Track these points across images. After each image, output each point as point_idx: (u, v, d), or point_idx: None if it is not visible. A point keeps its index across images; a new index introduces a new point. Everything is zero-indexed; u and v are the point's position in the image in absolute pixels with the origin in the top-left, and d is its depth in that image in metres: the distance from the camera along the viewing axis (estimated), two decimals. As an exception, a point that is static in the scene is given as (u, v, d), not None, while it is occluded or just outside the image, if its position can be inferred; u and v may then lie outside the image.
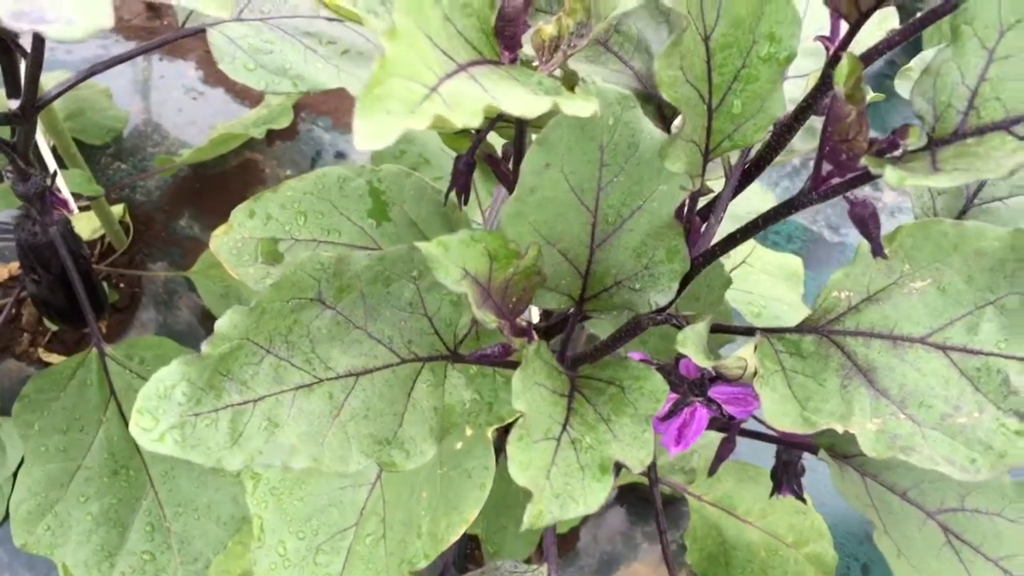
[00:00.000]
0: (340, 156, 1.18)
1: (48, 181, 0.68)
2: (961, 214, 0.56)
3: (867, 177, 0.33)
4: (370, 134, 0.26)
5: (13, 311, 0.92)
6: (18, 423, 0.86)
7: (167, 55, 1.24)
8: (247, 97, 1.21)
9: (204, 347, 0.37)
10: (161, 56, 1.24)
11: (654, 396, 0.39)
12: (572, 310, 0.43)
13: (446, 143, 0.52)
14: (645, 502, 0.98)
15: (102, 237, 1.07)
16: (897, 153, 0.31)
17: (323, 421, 0.39)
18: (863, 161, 0.30)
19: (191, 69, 1.23)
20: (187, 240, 1.10)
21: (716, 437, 0.97)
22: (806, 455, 0.59)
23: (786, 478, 0.62)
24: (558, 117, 0.38)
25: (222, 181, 1.15)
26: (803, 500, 0.62)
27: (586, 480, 0.35)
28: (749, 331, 0.46)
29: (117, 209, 1.07)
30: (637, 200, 0.39)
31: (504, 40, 0.37)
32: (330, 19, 0.71)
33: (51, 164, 0.80)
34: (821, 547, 0.85)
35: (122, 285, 1.06)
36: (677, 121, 0.45)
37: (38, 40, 0.61)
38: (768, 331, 0.44)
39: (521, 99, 0.30)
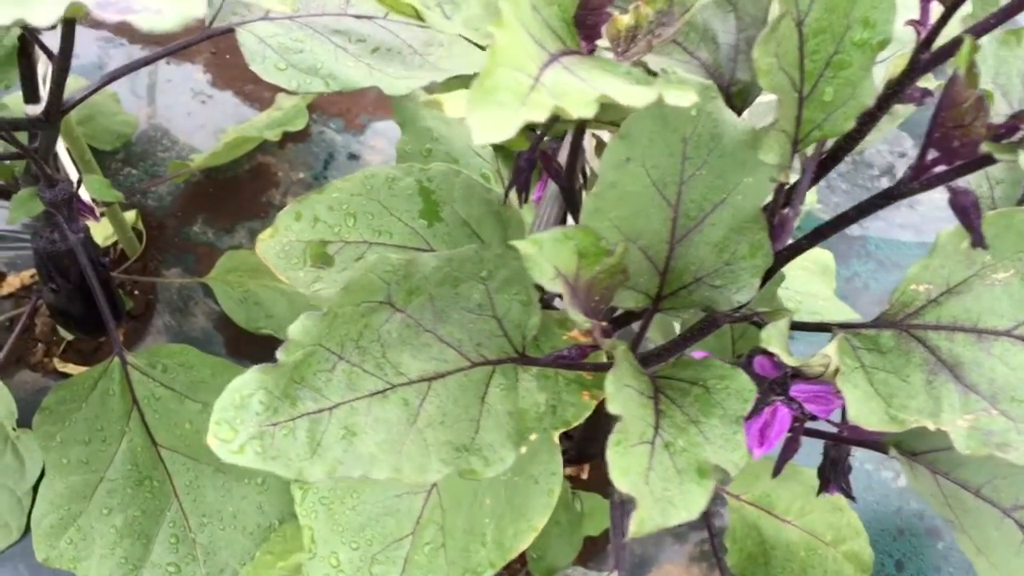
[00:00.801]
0: (353, 158, 1.16)
1: (74, 187, 0.66)
2: (1019, 203, 0.55)
3: (977, 164, 0.32)
4: (486, 127, 0.24)
5: (27, 321, 0.91)
6: (39, 435, 0.84)
7: (174, 58, 1.22)
8: (257, 100, 1.19)
9: (279, 354, 0.36)
10: (168, 59, 1.22)
11: (741, 396, 0.37)
12: (647, 309, 0.41)
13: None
14: (675, 502, 0.96)
15: (114, 244, 1.05)
16: (1015, 138, 0.30)
17: (400, 429, 0.37)
18: (984, 147, 0.29)
19: (199, 72, 1.21)
20: (201, 245, 1.08)
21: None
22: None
23: (834, 476, 0.60)
24: (639, 110, 0.36)
25: (235, 185, 1.13)
26: (852, 498, 0.61)
27: (684, 485, 0.34)
28: (823, 327, 0.44)
29: (129, 215, 1.05)
30: (720, 194, 0.37)
31: (584, 30, 0.35)
32: (358, 16, 0.70)
33: (71, 170, 0.78)
34: (858, 545, 0.84)
35: (136, 292, 1.04)
36: (747, 113, 0.44)
37: (66, 43, 0.60)
38: (844, 326, 0.43)
39: (625, 89, 0.29)
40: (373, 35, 0.69)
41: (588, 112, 0.26)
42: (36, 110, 0.73)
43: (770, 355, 0.44)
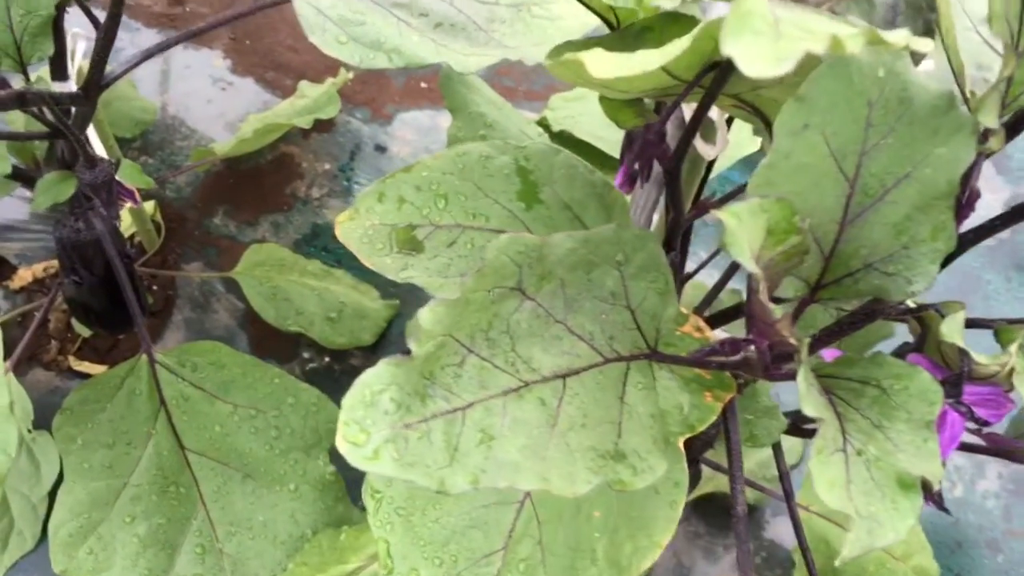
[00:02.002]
0: (380, 149, 1.11)
1: (115, 169, 0.61)
2: None
3: None
4: (760, 58, 0.20)
5: (42, 317, 0.85)
6: (59, 437, 0.78)
7: (191, 44, 1.16)
8: (279, 88, 1.14)
9: (411, 344, 0.31)
10: (185, 45, 1.16)
11: (926, 398, 0.33)
12: (803, 299, 0.37)
13: (607, 114, 0.46)
14: (724, 513, 0.92)
15: (131, 236, 1.00)
16: None
17: (541, 432, 0.32)
18: None
19: (218, 58, 1.16)
20: (223, 239, 1.03)
21: (796, 441, 0.92)
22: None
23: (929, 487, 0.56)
24: (820, 69, 0.32)
25: (257, 176, 1.08)
26: (947, 510, 0.57)
27: (887, 499, 0.29)
28: (982, 323, 0.40)
29: (148, 206, 1.00)
30: (906, 166, 0.33)
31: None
32: (419, -11, 0.65)
33: (102, 152, 0.73)
34: (924, 559, 0.80)
35: (155, 287, 0.99)
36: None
37: (116, 7, 0.55)
38: (1011, 322, 0.39)
39: (876, 30, 0.24)
40: (436, 9, 0.64)
41: (857, 47, 0.22)
42: (65, 88, 0.68)
43: (924, 353, 0.39)
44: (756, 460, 0.88)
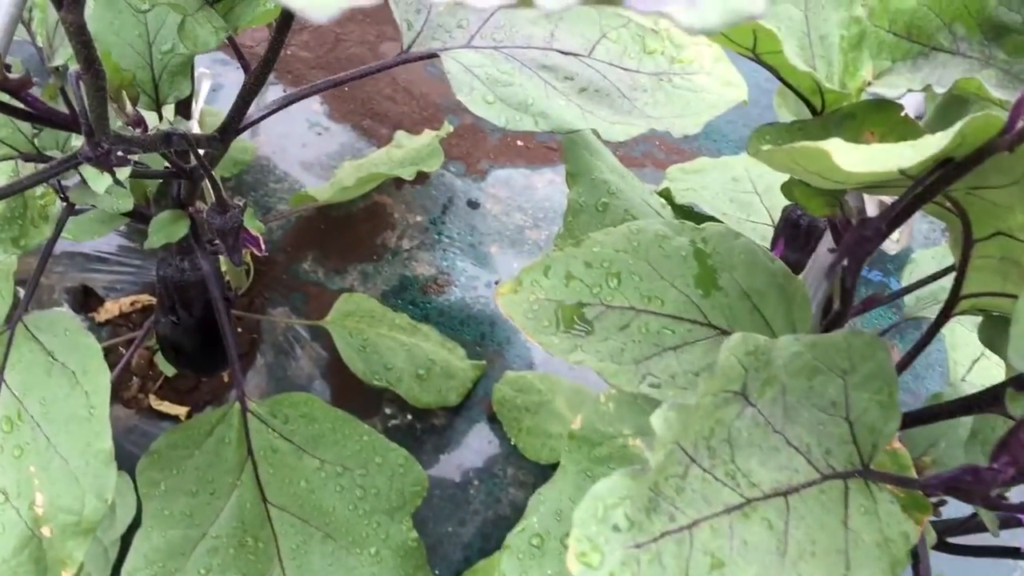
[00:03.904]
0: (472, 205, 1.09)
1: (242, 214, 0.59)
2: None
3: None
4: None
5: (130, 354, 0.83)
6: (143, 481, 0.76)
7: (291, 87, 1.16)
8: (375, 136, 1.13)
9: (648, 454, 0.28)
10: (285, 88, 1.16)
11: None
12: None
13: (799, 199, 0.43)
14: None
15: (220, 276, 0.98)
16: None
17: (772, 560, 0.29)
18: None
19: (315, 103, 1.16)
20: (310, 285, 1.01)
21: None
22: None
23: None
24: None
25: (348, 223, 1.06)
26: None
27: None
28: None
29: (239, 247, 0.98)
30: None
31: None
32: (564, 52, 0.63)
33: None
34: None
35: (240, 330, 0.97)
36: None
37: (271, 56, 0.53)
38: None
39: None
40: (580, 74, 0.62)
41: None
42: (188, 127, 0.67)
43: None
44: None
